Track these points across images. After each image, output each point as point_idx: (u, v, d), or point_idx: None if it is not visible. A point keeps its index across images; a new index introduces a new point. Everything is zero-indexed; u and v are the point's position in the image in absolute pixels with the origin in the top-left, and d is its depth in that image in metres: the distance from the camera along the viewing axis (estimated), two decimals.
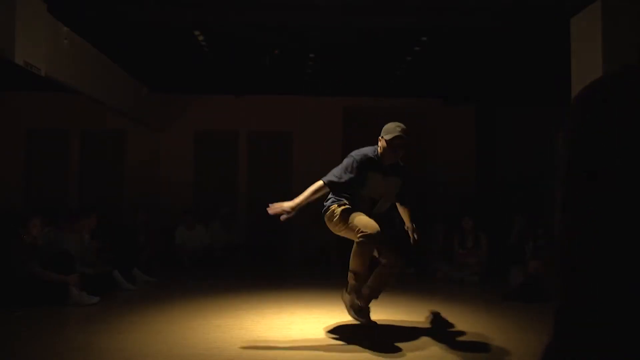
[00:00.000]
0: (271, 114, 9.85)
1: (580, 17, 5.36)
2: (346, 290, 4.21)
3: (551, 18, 5.79)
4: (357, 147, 4.35)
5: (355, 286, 4.10)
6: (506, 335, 4.21)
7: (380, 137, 4.26)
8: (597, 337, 0.83)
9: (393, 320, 4.63)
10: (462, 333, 4.29)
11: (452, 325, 4.51)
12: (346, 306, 4.22)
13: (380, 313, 4.87)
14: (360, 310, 4.12)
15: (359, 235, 3.91)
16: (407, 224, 4.55)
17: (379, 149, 4.26)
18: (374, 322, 4.30)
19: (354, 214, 4.04)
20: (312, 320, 4.67)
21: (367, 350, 3.74)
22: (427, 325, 4.51)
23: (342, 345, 3.91)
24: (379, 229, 3.91)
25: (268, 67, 7.89)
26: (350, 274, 4.12)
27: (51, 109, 9.56)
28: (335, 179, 4.06)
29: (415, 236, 4.48)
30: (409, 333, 4.25)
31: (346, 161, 4.17)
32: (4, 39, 4.63)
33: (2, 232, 5.81)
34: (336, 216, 4.10)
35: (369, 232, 3.88)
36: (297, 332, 4.22)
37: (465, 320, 4.72)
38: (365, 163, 4.12)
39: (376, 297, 4.29)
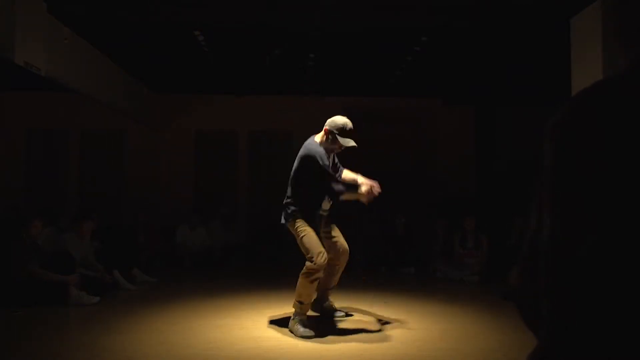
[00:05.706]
0: (271, 114, 9.85)
1: (580, 17, 5.36)
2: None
3: (551, 18, 5.79)
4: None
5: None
6: (506, 335, 4.21)
7: (330, 129, 4.19)
8: (587, 338, 0.83)
9: (393, 320, 4.62)
10: (462, 333, 4.29)
11: (452, 325, 4.51)
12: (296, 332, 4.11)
13: (381, 313, 4.87)
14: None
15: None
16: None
17: (323, 139, 4.20)
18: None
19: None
20: (312, 319, 4.66)
21: (367, 349, 3.75)
22: (427, 325, 4.51)
23: (342, 345, 3.91)
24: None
25: (268, 67, 7.89)
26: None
27: (51, 109, 9.56)
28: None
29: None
30: (409, 333, 4.25)
31: (318, 155, 4.11)
32: (4, 39, 4.63)
33: (2, 232, 5.81)
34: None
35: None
36: None
37: (465, 320, 4.72)
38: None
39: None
